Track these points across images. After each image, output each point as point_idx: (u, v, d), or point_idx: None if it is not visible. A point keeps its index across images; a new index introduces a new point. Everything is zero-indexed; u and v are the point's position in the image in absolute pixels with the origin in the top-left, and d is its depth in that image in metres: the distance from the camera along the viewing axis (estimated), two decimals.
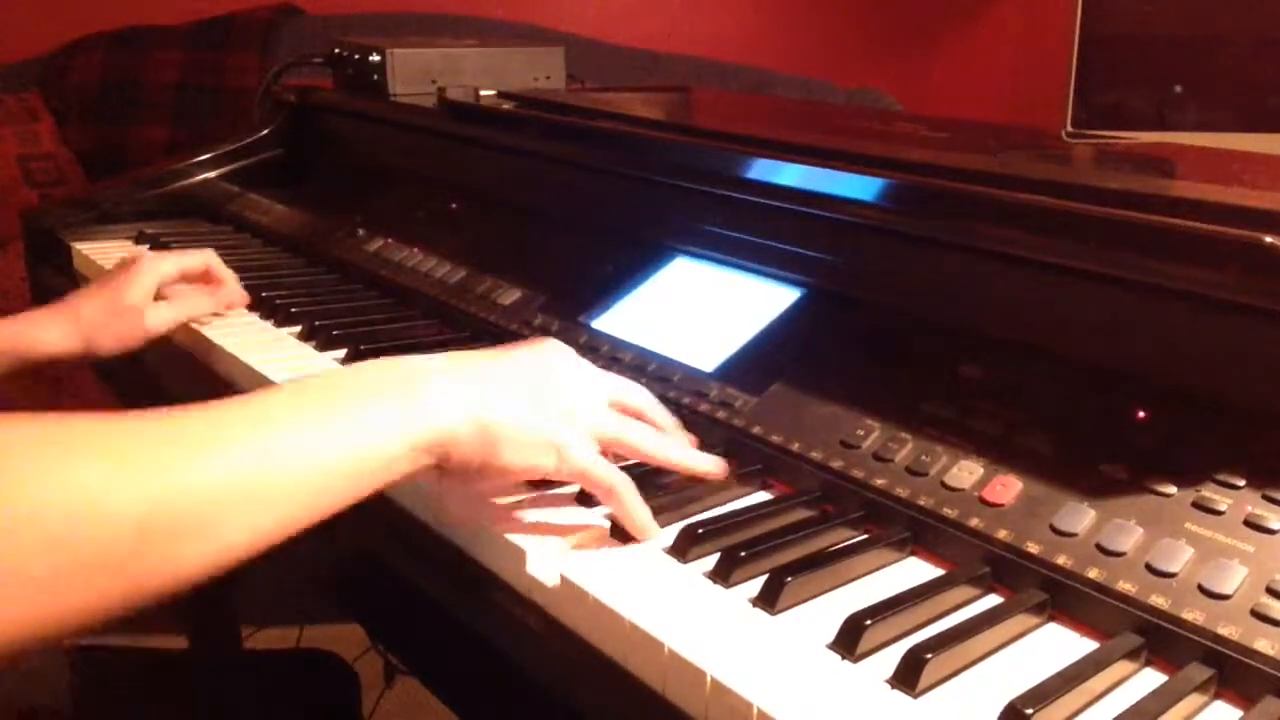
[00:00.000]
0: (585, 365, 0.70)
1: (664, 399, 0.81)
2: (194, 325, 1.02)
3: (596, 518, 0.67)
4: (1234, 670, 0.52)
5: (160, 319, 0.99)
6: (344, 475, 0.56)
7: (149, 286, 0.99)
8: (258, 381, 0.91)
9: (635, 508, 0.64)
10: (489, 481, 0.65)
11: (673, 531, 0.64)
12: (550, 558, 0.62)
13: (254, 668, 1.28)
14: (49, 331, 0.95)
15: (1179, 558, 0.56)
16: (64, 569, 0.45)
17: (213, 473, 0.51)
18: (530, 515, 0.67)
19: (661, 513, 0.67)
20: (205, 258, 1.04)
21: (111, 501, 0.47)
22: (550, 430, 0.63)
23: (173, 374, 1.06)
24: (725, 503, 0.70)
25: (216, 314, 1.05)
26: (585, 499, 0.69)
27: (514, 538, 0.63)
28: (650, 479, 0.71)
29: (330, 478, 0.55)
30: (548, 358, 0.68)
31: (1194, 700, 0.52)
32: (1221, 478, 0.59)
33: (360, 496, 0.57)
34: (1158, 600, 0.55)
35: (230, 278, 1.06)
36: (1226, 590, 0.54)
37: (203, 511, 0.50)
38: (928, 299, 0.80)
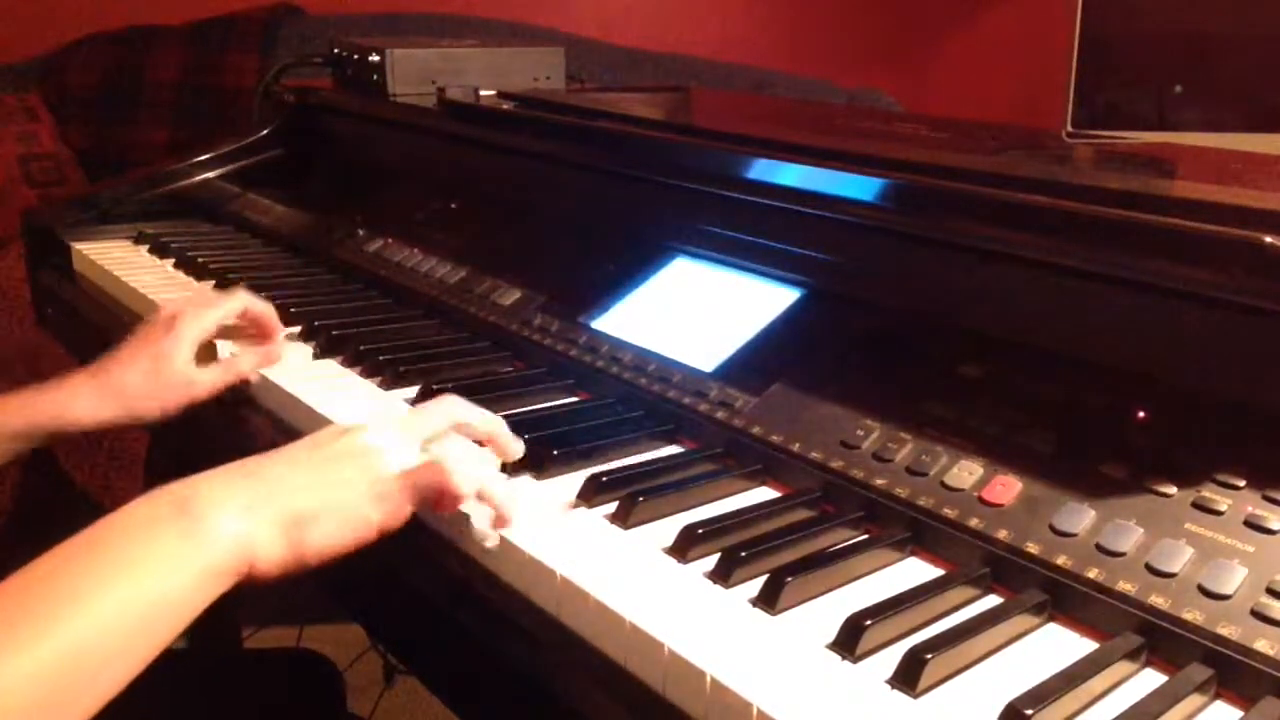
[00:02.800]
0: (371, 425, 0.67)
1: (664, 399, 0.81)
2: None
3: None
4: (1234, 670, 0.52)
5: (206, 382, 0.90)
6: (147, 632, 0.54)
7: (192, 350, 0.90)
8: (258, 382, 0.91)
9: (491, 491, 0.64)
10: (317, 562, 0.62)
11: (673, 531, 0.64)
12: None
13: (239, 667, 1.28)
14: (88, 403, 0.88)
15: (1179, 558, 0.56)
16: None
17: (12, 693, 0.48)
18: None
19: (661, 513, 0.67)
20: (242, 301, 0.94)
21: None
22: (351, 484, 0.62)
23: None
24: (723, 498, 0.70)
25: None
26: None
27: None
28: (650, 478, 0.71)
29: (134, 636, 0.53)
30: (320, 435, 0.66)
31: (1194, 700, 0.52)
32: (1221, 478, 0.59)
33: (175, 634, 0.55)
34: (1158, 600, 0.55)
35: (270, 316, 0.96)
36: (1226, 590, 0.54)
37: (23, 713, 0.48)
38: (928, 299, 0.80)
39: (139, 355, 0.90)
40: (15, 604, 0.51)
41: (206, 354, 0.92)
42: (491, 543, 0.64)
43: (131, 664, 0.53)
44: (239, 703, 1.10)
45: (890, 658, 0.53)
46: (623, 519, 0.67)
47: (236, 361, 0.92)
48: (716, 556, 0.62)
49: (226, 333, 0.94)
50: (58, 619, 0.51)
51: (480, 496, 0.65)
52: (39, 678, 0.49)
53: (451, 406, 0.70)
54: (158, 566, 0.55)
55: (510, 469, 0.73)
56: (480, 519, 0.66)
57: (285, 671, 1.21)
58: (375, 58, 1.37)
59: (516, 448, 0.71)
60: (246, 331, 0.96)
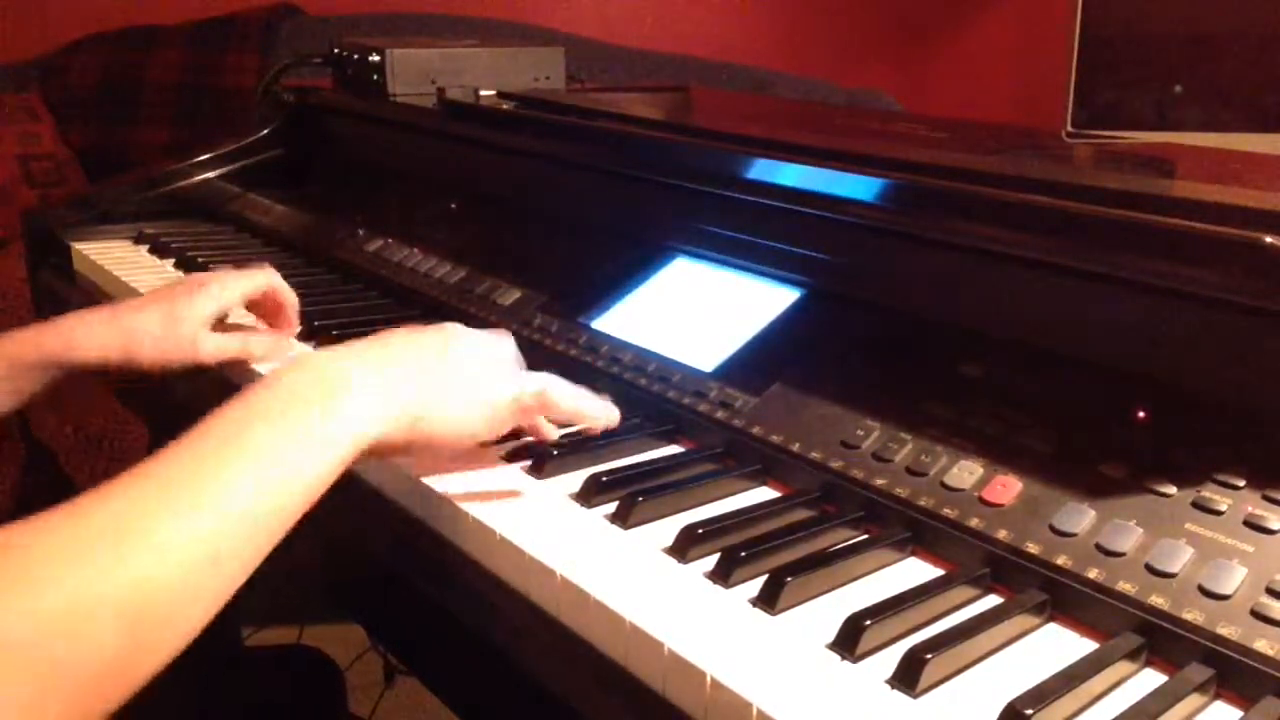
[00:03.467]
0: (487, 338, 0.72)
1: (664, 399, 0.81)
2: None
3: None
4: (1234, 670, 0.52)
5: (212, 347, 0.91)
6: (292, 500, 0.56)
7: (209, 311, 0.91)
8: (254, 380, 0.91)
9: (584, 409, 0.71)
10: (438, 455, 0.68)
11: (673, 531, 0.64)
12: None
13: (239, 665, 1.28)
14: (94, 334, 0.89)
15: (1179, 558, 0.56)
16: (51, 689, 0.44)
17: (175, 553, 0.50)
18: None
19: (661, 513, 0.67)
20: (269, 278, 0.95)
21: (88, 618, 0.46)
22: (470, 389, 0.66)
23: (173, 374, 1.05)
24: (724, 497, 0.70)
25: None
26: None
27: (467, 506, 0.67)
28: (650, 478, 0.71)
29: (279, 508, 0.55)
30: (449, 333, 0.70)
31: (1194, 700, 0.52)
32: (1221, 478, 0.59)
33: (310, 504, 0.57)
34: (1158, 600, 0.55)
35: (291, 304, 0.97)
36: (1226, 590, 0.54)
37: (176, 593, 0.50)
38: (928, 299, 0.80)
39: (156, 302, 0.91)
40: (179, 471, 0.53)
41: (221, 327, 0.93)
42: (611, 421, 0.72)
43: (278, 533, 0.55)
44: (240, 700, 1.10)
45: (890, 658, 0.53)
46: (623, 519, 0.67)
47: (249, 338, 0.93)
48: (716, 556, 0.62)
49: (249, 308, 0.96)
50: (223, 489, 0.53)
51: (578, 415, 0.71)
52: (203, 538, 0.51)
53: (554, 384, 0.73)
54: (303, 445, 0.57)
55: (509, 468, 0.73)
56: (486, 518, 0.66)
57: (286, 669, 1.21)
58: (375, 58, 1.37)
59: (609, 415, 0.74)
60: (266, 312, 0.97)
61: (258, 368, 0.93)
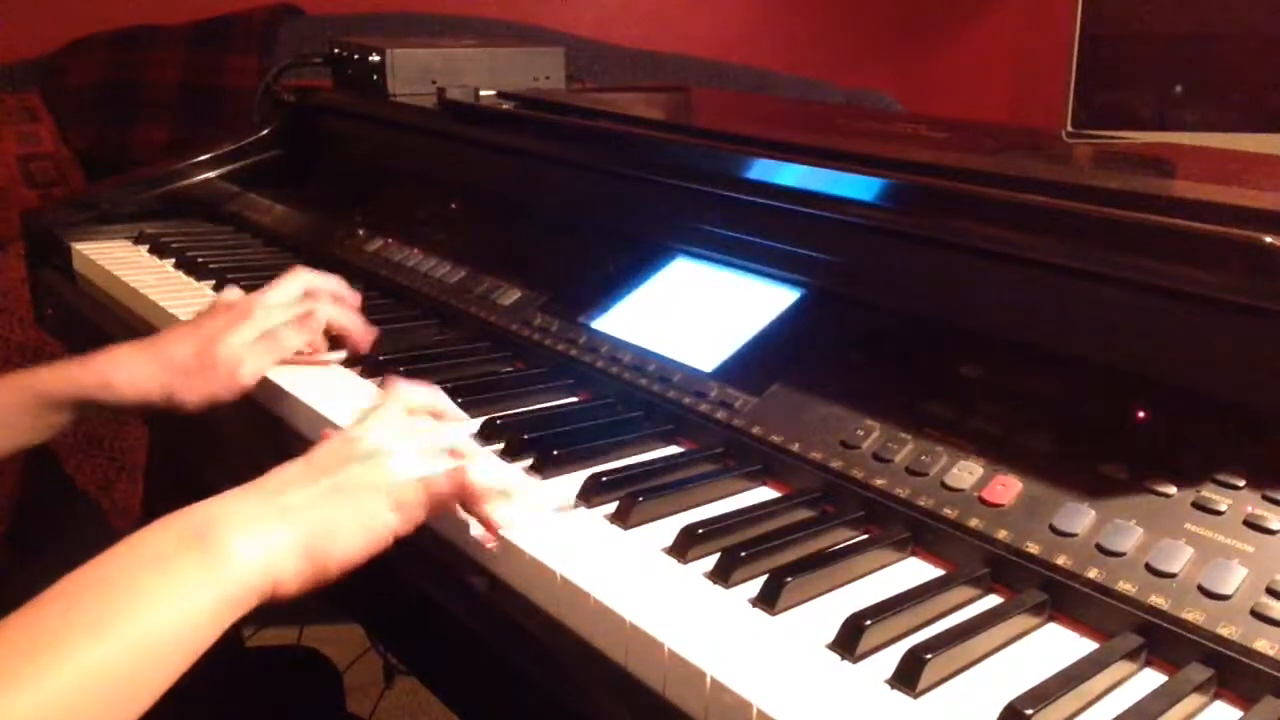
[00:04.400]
0: (374, 430, 0.65)
1: (664, 399, 0.81)
2: None
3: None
4: (1234, 670, 0.52)
5: (256, 369, 0.86)
6: (166, 653, 0.53)
7: (251, 339, 0.86)
8: (259, 382, 0.91)
9: (507, 485, 0.64)
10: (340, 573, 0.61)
11: (673, 531, 0.64)
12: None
13: (237, 665, 1.28)
14: (131, 370, 0.84)
15: (1179, 558, 0.56)
16: None
17: (36, 704, 0.47)
18: None
19: (662, 513, 0.67)
20: (321, 322, 0.90)
21: None
22: (368, 490, 0.61)
23: None
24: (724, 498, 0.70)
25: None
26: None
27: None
28: (650, 478, 0.71)
29: (146, 674, 0.52)
30: (329, 444, 0.64)
31: (1194, 700, 0.52)
32: (1221, 478, 0.59)
33: (189, 663, 0.54)
34: (1158, 600, 0.55)
35: (351, 331, 0.92)
36: (1226, 590, 0.54)
37: None
38: (928, 299, 0.80)
39: (194, 333, 0.86)
40: (25, 636, 0.50)
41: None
42: (491, 544, 0.64)
43: (144, 698, 0.52)
44: (237, 699, 1.10)
45: (890, 658, 0.53)
46: (623, 519, 0.67)
47: (281, 338, 0.87)
48: (716, 556, 0.62)
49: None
50: (68, 654, 0.49)
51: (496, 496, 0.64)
52: (46, 713, 0.48)
53: (416, 396, 0.69)
54: (174, 599, 0.53)
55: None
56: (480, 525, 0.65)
57: (284, 669, 1.21)
58: (375, 58, 1.37)
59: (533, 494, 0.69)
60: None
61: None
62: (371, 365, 0.92)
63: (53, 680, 0.48)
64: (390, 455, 0.63)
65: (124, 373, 0.84)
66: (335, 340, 0.94)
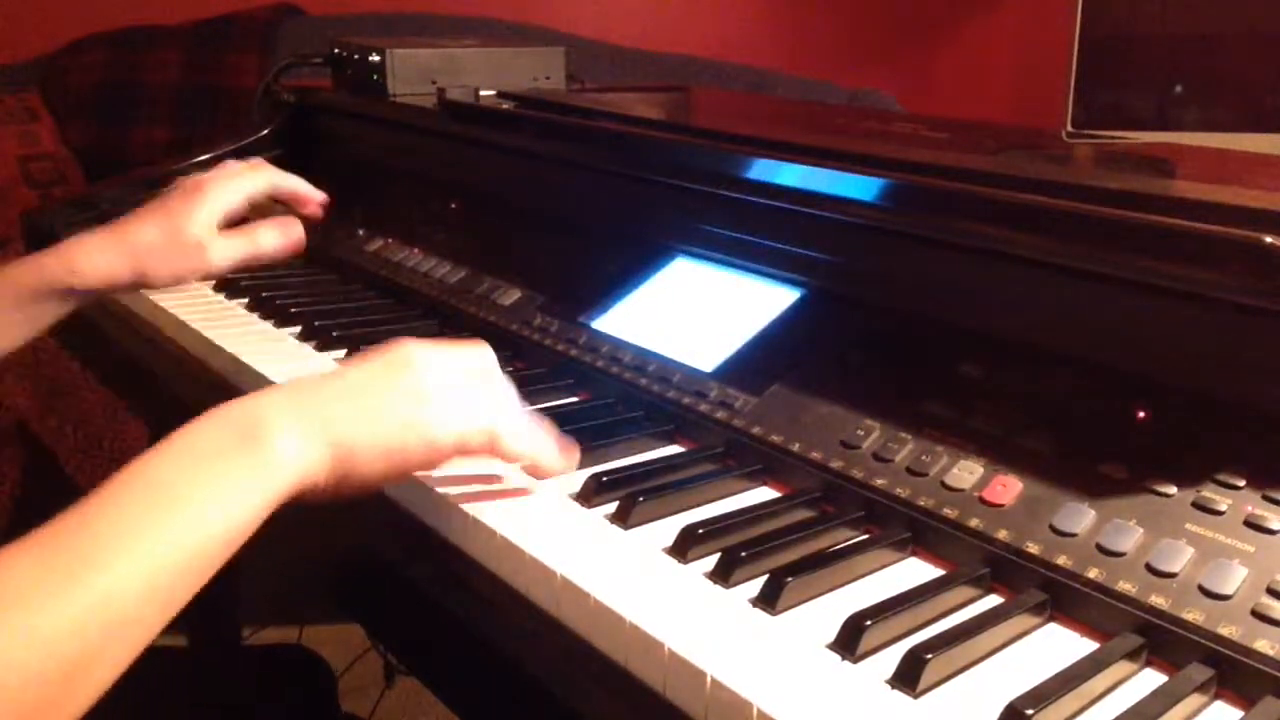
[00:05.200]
0: (448, 360, 0.65)
1: (664, 399, 0.81)
2: (193, 325, 1.02)
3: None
4: (1234, 670, 0.52)
5: (224, 256, 0.88)
6: (210, 553, 0.53)
7: (215, 218, 0.88)
8: (258, 382, 0.91)
9: (538, 453, 0.65)
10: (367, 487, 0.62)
11: (673, 531, 0.64)
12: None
13: (228, 663, 1.28)
14: (99, 257, 0.85)
15: (1179, 558, 0.56)
16: None
17: (69, 618, 0.47)
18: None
19: (662, 513, 0.67)
20: (269, 179, 0.93)
21: None
22: (405, 428, 0.61)
23: (172, 375, 1.06)
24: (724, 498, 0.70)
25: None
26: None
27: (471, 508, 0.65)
28: (650, 478, 0.71)
29: (186, 565, 0.52)
30: (401, 357, 0.64)
31: (1194, 700, 0.52)
32: (1221, 478, 0.59)
33: (233, 552, 0.55)
34: (1158, 600, 0.55)
35: (301, 185, 0.95)
36: (1226, 590, 0.54)
37: (76, 658, 0.47)
38: (928, 299, 0.80)
39: (157, 214, 0.88)
40: (80, 533, 0.50)
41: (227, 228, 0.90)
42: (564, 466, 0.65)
43: (187, 596, 0.52)
44: (228, 698, 1.10)
45: (890, 658, 0.53)
46: (623, 519, 0.67)
47: (257, 234, 0.90)
48: (716, 556, 0.62)
49: (255, 211, 0.92)
50: (123, 552, 0.50)
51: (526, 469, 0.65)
52: (96, 615, 0.48)
53: (508, 406, 0.67)
54: (225, 499, 0.54)
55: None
56: (487, 518, 0.65)
57: (277, 668, 1.21)
58: (375, 58, 1.37)
59: (567, 463, 0.69)
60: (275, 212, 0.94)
61: (206, 331, 0.90)
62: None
63: (107, 578, 0.49)
64: (440, 404, 0.62)
65: (92, 258, 0.86)
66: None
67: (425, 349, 0.64)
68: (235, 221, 0.94)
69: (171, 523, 0.52)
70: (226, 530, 0.54)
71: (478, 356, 0.67)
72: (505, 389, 0.67)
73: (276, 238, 0.91)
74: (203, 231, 0.87)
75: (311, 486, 0.58)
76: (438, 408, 0.62)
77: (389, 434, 0.60)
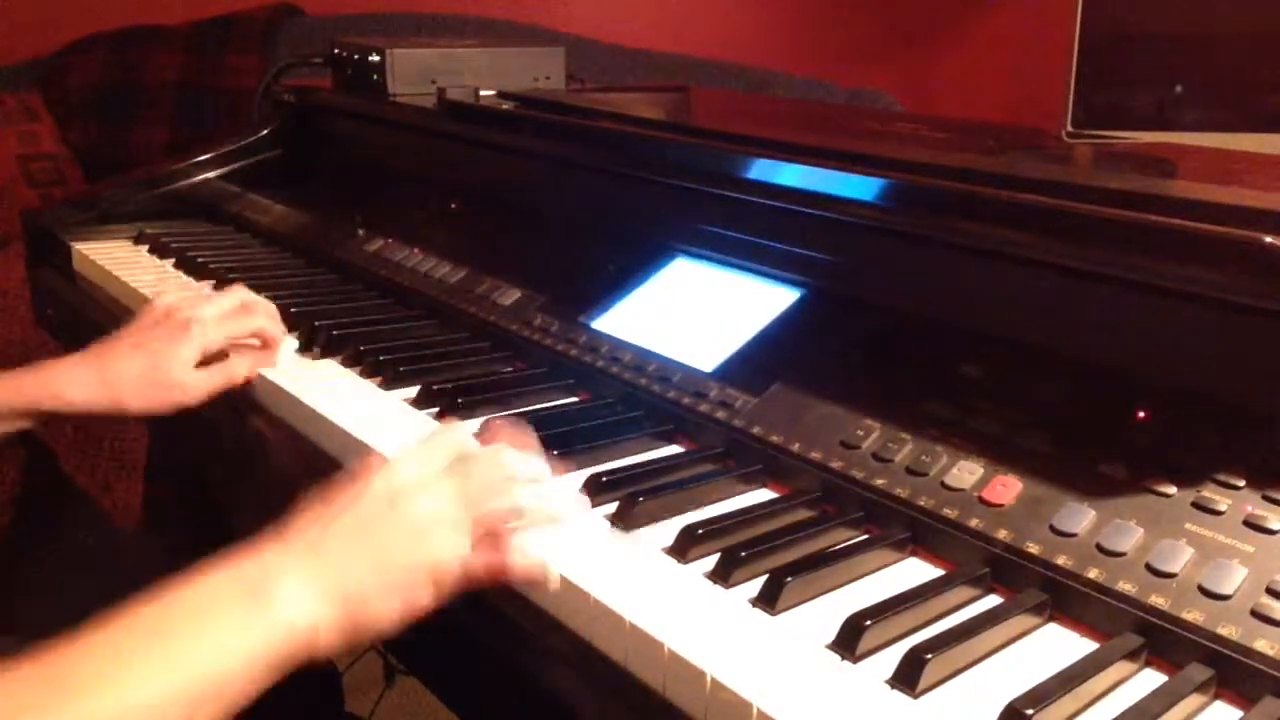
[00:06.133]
0: (415, 467, 0.63)
1: (664, 399, 0.81)
2: None
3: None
4: (1234, 670, 0.52)
5: (200, 391, 0.90)
6: (197, 698, 0.52)
7: (192, 356, 0.89)
8: (257, 381, 0.91)
9: (541, 522, 0.62)
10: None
11: (673, 531, 0.64)
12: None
13: None
14: (81, 388, 0.88)
15: (1179, 558, 0.56)
16: None
17: None
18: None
19: (662, 513, 0.67)
20: (257, 324, 0.93)
21: None
22: (411, 571, 0.59)
23: None
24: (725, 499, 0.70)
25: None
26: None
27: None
28: (650, 478, 0.71)
29: (178, 709, 0.51)
30: (374, 489, 0.62)
31: (1194, 700, 0.52)
32: (1221, 478, 0.59)
33: (229, 704, 0.54)
34: (1158, 600, 0.55)
35: (271, 320, 0.95)
36: (1226, 590, 0.54)
37: None
38: (928, 299, 0.80)
39: (140, 351, 0.89)
40: (74, 666, 0.50)
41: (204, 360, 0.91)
42: (554, 585, 0.61)
43: None
44: None
45: (890, 658, 0.53)
46: (623, 519, 0.67)
47: (232, 366, 0.92)
48: (716, 556, 0.62)
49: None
50: (110, 692, 0.50)
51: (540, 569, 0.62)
52: None
53: (503, 468, 0.65)
54: (226, 647, 0.53)
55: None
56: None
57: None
58: (375, 58, 1.37)
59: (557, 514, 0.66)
60: (248, 341, 0.94)
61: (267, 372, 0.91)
62: (370, 365, 0.92)
63: (87, 707, 0.49)
64: (437, 531, 0.61)
65: (73, 387, 0.88)
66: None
67: (403, 471, 0.62)
68: None
69: (157, 667, 0.51)
70: (214, 682, 0.53)
71: (451, 444, 0.65)
72: (491, 466, 0.65)
73: (249, 367, 0.93)
74: (182, 371, 0.89)
75: (318, 642, 0.57)
76: (438, 539, 0.60)
77: (398, 580, 0.59)
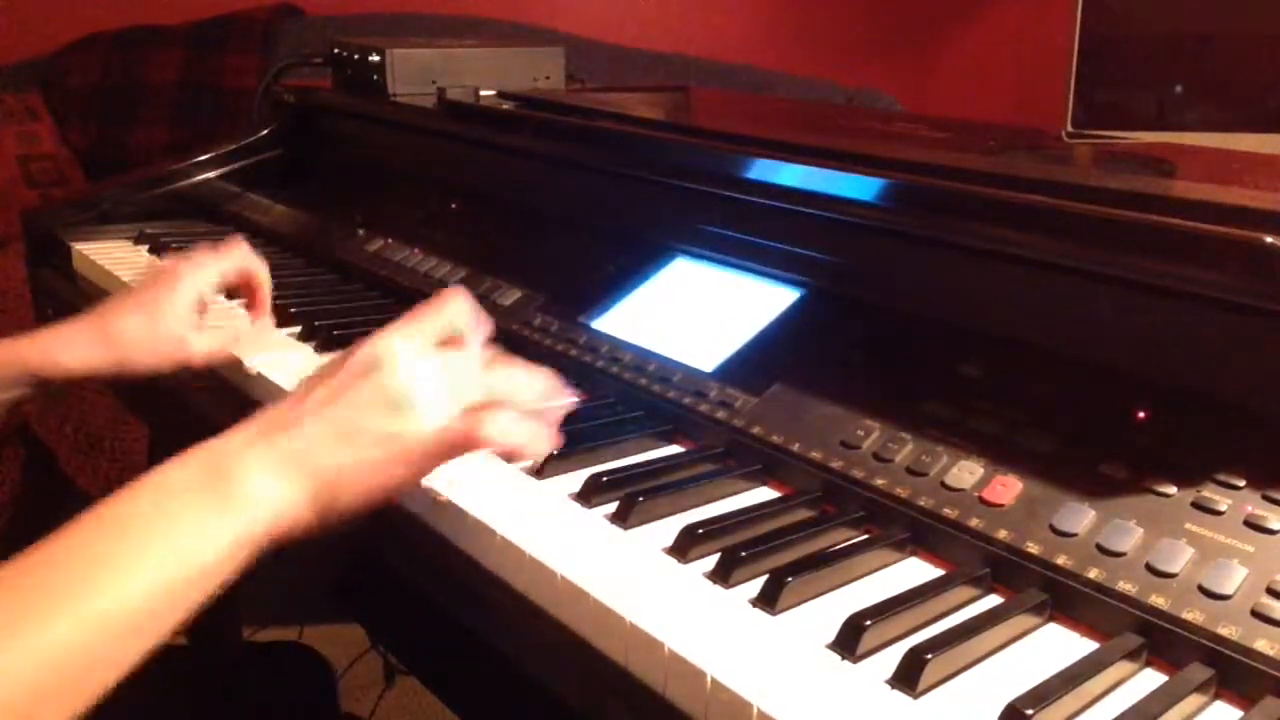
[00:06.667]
0: (404, 342, 0.61)
1: (664, 399, 0.81)
2: None
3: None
4: (1234, 670, 0.52)
5: (201, 347, 0.89)
6: (175, 592, 0.52)
7: (190, 307, 0.89)
8: (257, 381, 0.91)
9: (518, 438, 0.59)
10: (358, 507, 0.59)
11: (673, 531, 0.64)
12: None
13: (228, 660, 1.28)
14: (80, 349, 0.86)
15: (1179, 558, 0.56)
16: None
17: (29, 661, 0.47)
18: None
19: (662, 513, 0.67)
20: (242, 259, 0.93)
21: None
22: (384, 442, 0.58)
23: (173, 375, 1.05)
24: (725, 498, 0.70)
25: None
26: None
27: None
28: (650, 478, 0.71)
29: (160, 613, 0.51)
30: (351, 366, 0.60)
31: (1194, 700, 0.52)
32: (1221, 478, 0.59)
33: (206, 592, 0.53)
34: (1158, 600, 0.55)
35: (265, 280, 0.96)
36: (1226, 590, 0.54)
37: (32, 702, 0.47)
38: (928, 299, 0.80)
39: (136, 305, 0.88)
40: (41, 575, 0.50)
41: (204, 320, 0.92)
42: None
43: (152, 637, 0.52)
44: (229, 694, 1.10)
45: (890, 658, 0.53)
46: (623, 519, 0.67)
47: (236, 331, 0.92)
48: (716, 556, 0.62)
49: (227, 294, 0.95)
50: (83, 595, 0.49)
51: (515, 452, 0.61)
52: (55, 656, 0.48)
53: (460, 318, 0.63)
54: (190, 537, 0.53)
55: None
56: (487, 518, 0.65)
57: (277, 664, 1.21)
58: (375, 58, 1.37)
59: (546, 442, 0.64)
60: (244, 293, 0.96)
61: (246, 363, 0.92)
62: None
63: (67, 621, 0.48)
64: (414, 409, 0.59)
65: (72, 351, 0.86)
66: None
67: (390, 341, 0.61)
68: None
69: (131, 562, 0.51)
70: (191, 569, 0.52)
71: (447, 320, 0.63)
72: (474, 359, 0.63)
73: (251, 337, 0.93)
74: (183, 324, 0.88)
75: (292, 522, 0.56)
76: (414, 410, 0.58)
77: (368, 453, 0.58)
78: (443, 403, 0.59)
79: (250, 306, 0.97)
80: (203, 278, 0.90)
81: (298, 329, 1.01)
